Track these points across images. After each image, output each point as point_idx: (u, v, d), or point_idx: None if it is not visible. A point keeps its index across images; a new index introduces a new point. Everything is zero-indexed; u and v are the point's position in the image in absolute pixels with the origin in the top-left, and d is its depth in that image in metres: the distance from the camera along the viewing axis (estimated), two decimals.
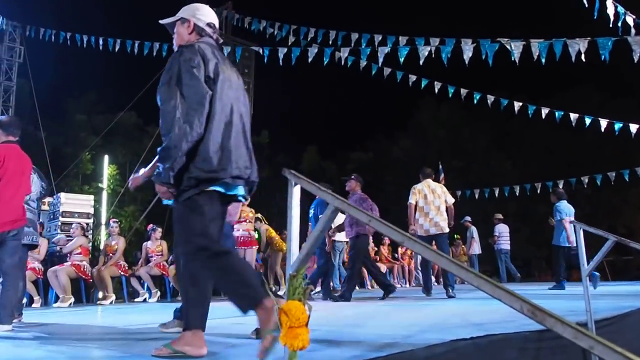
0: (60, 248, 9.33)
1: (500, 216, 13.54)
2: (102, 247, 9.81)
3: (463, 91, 10.87)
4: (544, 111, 11.04)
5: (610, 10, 6.91)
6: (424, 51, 8.36)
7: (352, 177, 7.64)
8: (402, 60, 8.66)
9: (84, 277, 8.67)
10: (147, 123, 26.46)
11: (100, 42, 12.37)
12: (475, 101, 11.17)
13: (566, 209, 8.94)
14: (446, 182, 16.84)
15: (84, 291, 8.98)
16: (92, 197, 11.60)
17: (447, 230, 7.36)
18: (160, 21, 2.96)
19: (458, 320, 3.95)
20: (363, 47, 9.65)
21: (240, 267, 2.48)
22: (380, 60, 8.76)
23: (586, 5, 6.77)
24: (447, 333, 2.82)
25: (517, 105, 11.10)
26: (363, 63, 10.28)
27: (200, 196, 2.51)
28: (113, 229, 9.30)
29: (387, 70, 10.30)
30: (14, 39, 15.28)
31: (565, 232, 8.65)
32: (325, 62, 9.77)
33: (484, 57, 8.25)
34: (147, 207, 23.81)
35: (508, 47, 8.00)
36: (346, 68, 10.44)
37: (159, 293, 9.30)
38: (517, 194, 16.27)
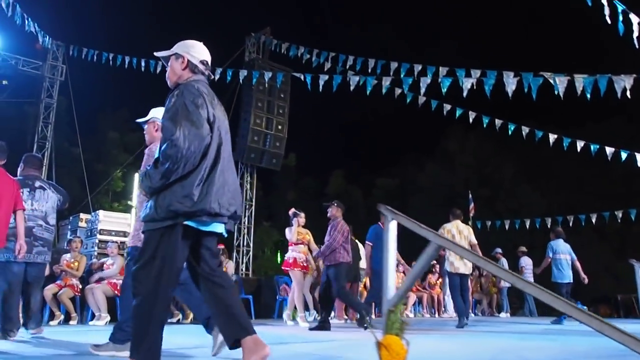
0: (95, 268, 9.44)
1: (524, 249, 13.46)
2: None
3: (497, 122, 10.90)
4: (579, 144, 10.93)
5: None
6: (466, 83, 8.43)
7: (334, 203, 7.56)
8: (444, 91, 8.73)
9: (119, 295, 8.75)
10: None
11: (143, 63, 12.65)
12: (510, 132, 11.13)
13: (558, 247, 9.41)
14: (475, 211, 16.94)
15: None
16: (129, 215, 11.76)
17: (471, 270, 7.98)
18: (156, 53, 3.10)
19: (512, 356, 3.90)
20: (403, 76, 9.77)
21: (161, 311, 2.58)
22: (422, 90, 8.86)
23: (637, 46, 6.76)
24: None
25: (552, 137, 11.01)
26: (398, 91, 10.37)
27: (173, 229, 2.58)
28: None
29: (421, 99, 10.40)
30: (56, 58, 15.67)
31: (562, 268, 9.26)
32: (368, 91, 9.88)
33: (526, 90, 8.31)
34: None
35: (551, 81, 8.04)
36: (378, 96, 10.54)
37: (192, 315, 9.31)
38: (549, 226, 16.04)
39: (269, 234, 28.03)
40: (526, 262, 13.02)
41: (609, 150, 10.79)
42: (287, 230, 8.14)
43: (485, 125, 11.05)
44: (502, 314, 13.24)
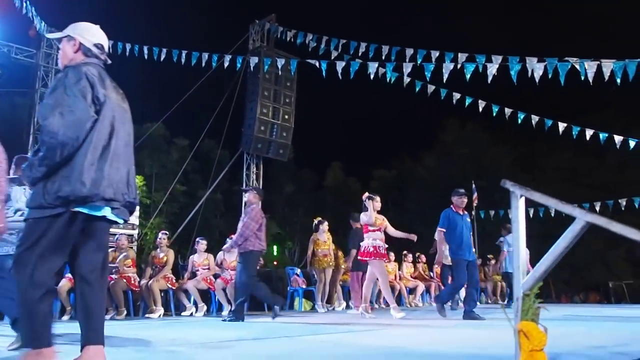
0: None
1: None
2: (149, 258, 9.60)
3: (507, 110, 10.79)
4: (575, 131, 10.83)
5: None
6: (491, 69, 8.23)
7: (252, 189, 7.46)
8: (468, 77, 8.53)
9: (133, 289, 8.52)
10: (174, 135, 26.58)
11: (145, 50, 12.27)
12: (507, 117, 10.98)
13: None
14: (478, 201, 16.92)
15: (132, 304, 8.79)
16: (137, 208, 11.45)
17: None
18: (48, 35, 3.05)
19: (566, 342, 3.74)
20: (419, 62, 9.56)
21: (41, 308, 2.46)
22: (445, 77, 8.66)
23: None
24: None
25: (549, 122, 10.88)
26: (407, 80, 10.19)
27: (62, 216, 2.50)
28: (161, 241, 9.14)
29: (430, 88, 10.22)
30: (51, 45, 15.22)
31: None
32: (391, 79, 9.67)
33: (550, 75, 8.14)
34: (171, 219, 23.80)
35: (578, 67, 7.86)
36: (379, 84, 10.37)
37: (205, 307, 9.10)
38: (541, 215, 16.03)
39: (268, 227, 27.83)
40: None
41: (602, 136, 10.77)
42: (362, 215, 7.69)
43: (495, 114, 10.91)
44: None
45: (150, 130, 18.87)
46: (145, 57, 12.31)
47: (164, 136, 25.63)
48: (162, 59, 12.07)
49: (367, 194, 7.83)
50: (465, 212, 7.31)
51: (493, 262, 14.75)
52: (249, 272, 6.77)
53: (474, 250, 7.62)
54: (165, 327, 6.37)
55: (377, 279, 7.69)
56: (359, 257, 8.11)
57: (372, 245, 7.47)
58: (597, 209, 15.02)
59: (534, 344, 1.86)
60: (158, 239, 9.30)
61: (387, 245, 7.82)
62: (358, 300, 9.28)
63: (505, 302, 13.34)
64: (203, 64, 11.39)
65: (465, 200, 7.31)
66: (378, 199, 7.72)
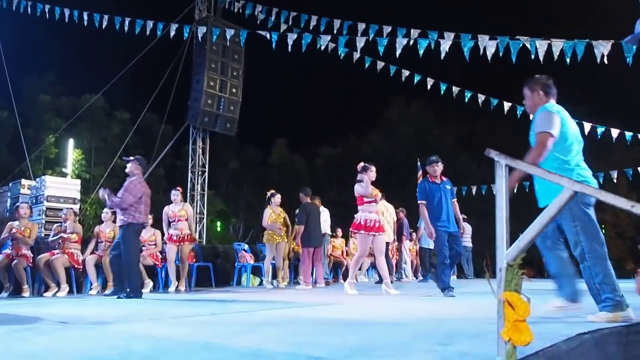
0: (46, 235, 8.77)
1: (464, 216, 13.76)
2: (93, 234, 9.17)
3: (453, 89, 10.92)
4: (519, 110, 11.05)
5: None
6: (444, 45, 8.26)
7: (135, 159, 6.98)
8: (421, 52, 8.54)
9: (76, 266, 8.17)
10: (114, 108, 25.54)
11: (85, 17, 11.60)
12: (454, 95, 11.10)
13: None
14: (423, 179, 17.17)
15: (74, 281, 8.44)
16: (79, 181, 10.96)
17: None
18: None
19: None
20: (373, 37, 9.49)
21: None
22: (381, 51, 8.72)
23: None
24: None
25: (494, 102, 11.10)
26: (356, 56, 10.13)
27: None
28: (106, 216, 8.78)
29: (380, 64, 10.23)
30: None
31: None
32: (341, 54, 9.55)
33: (501, 54, 8.25)
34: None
35: (529, 45, 8.00)
36: (328, 59, 10.29)
37: (151, 283, 8.83)
38: (483, 193, 16.38)
39: (213, 203, 27.43)
40: (465, 228, 13.24)
41: None
42: (357, 186, 7.13)
43: (442, 92, 11.01)
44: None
45: (90, 102, 18.04)
46: (85, 24, 11.69)
47: (104, 109, 24.61)
48: (103, 26, 11.50)
49: (362, 163, 7.34)
50: (444, 179, 6.73)
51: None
52: (129, 246, 6.53)
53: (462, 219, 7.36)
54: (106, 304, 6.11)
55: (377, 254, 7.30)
56: (350, 229, 7.66)
57: (364, 219, 7.03)
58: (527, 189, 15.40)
59: (518, 314, 1.83)
60: (103, 214, 8.92)
61: (379, 218, 7.34)
62: (308, 277, 9.26)
63: (420, 277, 13.36)
64: (147, 33, 10.92)
65: (439, 167, 6.67)
66: (373, 169, 7.28)
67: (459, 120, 29.08)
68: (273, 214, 9.47)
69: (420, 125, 29.78)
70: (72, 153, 20.18)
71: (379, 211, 7.85)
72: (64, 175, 19.54)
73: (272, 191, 9.84)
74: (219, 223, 31.50)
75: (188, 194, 14.57)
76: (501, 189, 1.98)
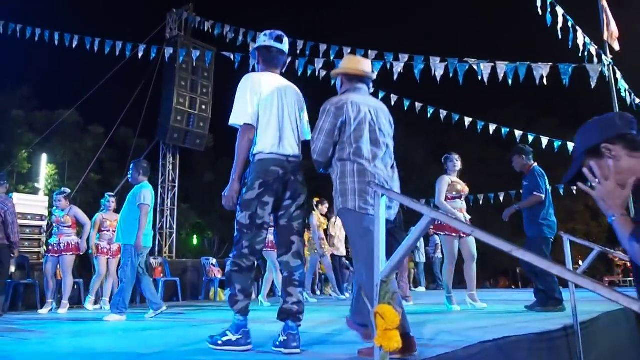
0: None
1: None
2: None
3: (417, 105, 11.36)
4: (492, 127, 11.63)
5: (580, 40, 7.49)
6: (397, 67, 8.71)
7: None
8: (375, 74, 8.93)
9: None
10: (88, 122, 25.59)
11: (57, 37, 11.89)
12: (429, 115, 11.58)
13: None
14: None
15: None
16: (47, 198, 11.14)
17: None
18: None
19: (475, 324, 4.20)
20: (333, 58, 9.94)
21: None
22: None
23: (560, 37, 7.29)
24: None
25: (468, 121, 11.60)
26: (323, 73, 10.54)
27: None
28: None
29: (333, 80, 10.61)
30: None
31: None
32: (299, 73, 9.93)
33: (451, 75, 8.73)
34: (85, 209, 22.93)
35: (475, 67, 8.48)
36: (294, 78, 10.66)
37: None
38: None
39: (187, 216, 27.53)
40: (437, 240, 13.69)
41: (518, 133, 11.56)
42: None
43: (406, 108, 11.43)
44: (420, 288, 13.86)
45: (64, 117, 18.19)
46: (56, 43, 11.96)
47: (77, 123, 24.68)
48: (74, 45, 11.78)
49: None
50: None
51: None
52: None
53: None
54: None
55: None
56: (431, 229, 6.97)
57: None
58: (502, 198, 15.93)
59: (387, 323, 2.16)
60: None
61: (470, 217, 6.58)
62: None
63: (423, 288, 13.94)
64: (117, 53, 11.22)
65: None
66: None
67: (430, 133, 29.68)
68: (322, 223, 9.18)
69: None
70: (45, 168, 20.24)
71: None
72: (37, 190, 19.58)
73: (318, 199, 9.41)
74: (195, 237, 31.57)
75: (158, 209, 14.80)
76: (378, 215, 2.35)
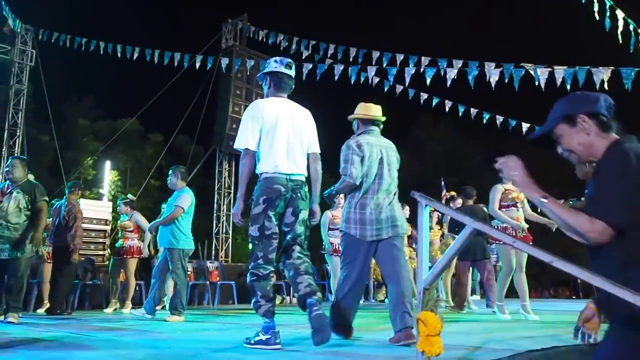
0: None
1: None
2: None
3: (473, 110, 11.19)
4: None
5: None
6: (450, 74, 8.66)
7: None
8: (428, 80, 8.94)
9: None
10: (149, 130, 26.62)
11: (119, 49, 12.44)
12: (484, 121, 11.37)
13: None
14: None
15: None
16: (110, 204, 11.65)
17: None
18: None
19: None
20: (385, 65, 9.98)
21: None
22: (407, 80, 9.08)
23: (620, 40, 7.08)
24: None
25: (525, 126, 11.32)
26: (376, 80, 10.57)
27: None
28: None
29: (398, 88, 10.62)
30: (25, 42, 15.23)
31: None
32: (352, 80, 10.03)
33: (507, 81, 8.59)
34: (145, 214, 23.76)
35: (532, 72, 8.32)
36: (357, 85, 10.73)
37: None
38: None
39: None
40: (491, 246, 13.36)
41: None
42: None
43: (460, 114, 11.30)
44: (474, 296, 13.58)
45: (126, 125, 18.94)
46: (119, 55, 12.48)
47: (138, 132, 25.69)
48: (134, 57, 12.27)
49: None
50: None
51: None
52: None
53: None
54: None
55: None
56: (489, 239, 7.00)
57: (501, 227, 5.95)
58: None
59: (429, 329, 2.20)
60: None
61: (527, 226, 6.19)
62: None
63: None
64: (175, 64, 11.64)
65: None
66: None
67: (487, 139, 29.15)
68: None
69: (447, 144, 29.95)
70: (109, 174, 21.13)
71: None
72: (101, 195, 20.45)
73: (453, 193, 9.05)
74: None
75: (214, 215, 15.24)
76: (421, 226, 2.38)
